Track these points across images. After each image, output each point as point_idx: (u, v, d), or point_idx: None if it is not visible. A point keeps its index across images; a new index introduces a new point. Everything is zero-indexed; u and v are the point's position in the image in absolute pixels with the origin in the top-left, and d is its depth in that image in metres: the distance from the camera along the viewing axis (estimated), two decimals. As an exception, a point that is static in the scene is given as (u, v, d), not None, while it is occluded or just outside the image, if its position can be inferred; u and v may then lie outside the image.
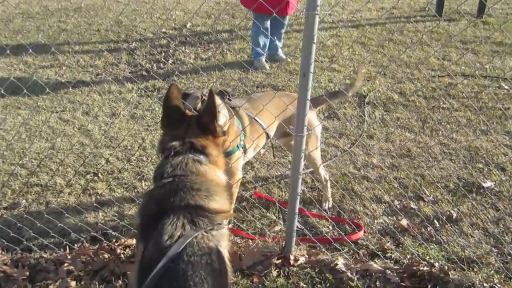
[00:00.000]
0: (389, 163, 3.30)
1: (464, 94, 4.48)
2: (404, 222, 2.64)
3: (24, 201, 2.77)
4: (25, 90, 2.54)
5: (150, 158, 3.27)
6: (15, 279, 2.05)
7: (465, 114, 4.11)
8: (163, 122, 1.64)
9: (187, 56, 5.56)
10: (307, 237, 2.43)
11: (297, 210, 2.23)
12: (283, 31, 5.46)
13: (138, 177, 3.04)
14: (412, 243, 2.49)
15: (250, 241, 2.44)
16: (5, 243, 2.34)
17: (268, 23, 5.12)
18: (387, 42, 6.15)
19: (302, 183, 3.00)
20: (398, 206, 2.81)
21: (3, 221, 2.52)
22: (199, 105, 2.32)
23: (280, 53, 5.47)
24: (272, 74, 5.05)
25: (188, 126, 1.59)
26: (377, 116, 4.07)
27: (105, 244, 2.27)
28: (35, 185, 2.93)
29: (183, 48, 5.79)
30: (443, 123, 3.92)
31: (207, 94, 2.37)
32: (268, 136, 2.57)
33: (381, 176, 3.13)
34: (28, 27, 6.41)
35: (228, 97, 2.47)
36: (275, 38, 5.36)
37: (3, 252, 2.29)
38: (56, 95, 4.34)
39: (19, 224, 2.46)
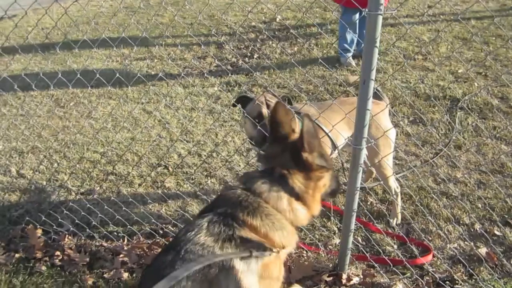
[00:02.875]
0: (476, 179, 2.94)
1: None
2: (483, 250, 2.33)
3: (98, 188, 2.98)
4: (111, 82, 2.71)
5: (219, 155, 3.31)
6: (76, 263, 2.21)
7: None
8: (269, 141, 1.57)
9: (273, 51, 5.53)
10: (364, 255, 2.26)
11: (352, 227, 2.08)
12: (372, 26, 5.16)
13: (205, 173, 3.09)
14: (488, 276, 2.19)
15: (305, 252, 2.35)
16: (71, 229, 2.54)
17: (357, 18, 4.86)
18: (493, 38, 5.50)
19: (372, 194, 2.82)
20: (479, 230, 2.49)
21: (78, 205, 2.73)
22: (264, 111, 2.27)
23: (369, 49, 5.17)
24: (357, 72, 4.80)
25: (284, 149, 1.49)
26: (469, 123, 3.66)
27: (159, 239, 2.34)
28: (111, 173, 3.14)
29: (270, 42, 5.77)
30: (549, 136, 3.40)
31: (271, 100, 2.31)
32: (334, 146, 2.44)
33: (464, 193, 2.80)
34: (129, 21, 6.88)
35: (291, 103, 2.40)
36: (364, 33, 5.08)
37: (69, 237, 2.48)
38: (144, 87, 4.60)
39: (90, 209, 2.65)
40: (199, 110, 4.02)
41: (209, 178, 3.05)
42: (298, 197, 1.45)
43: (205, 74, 4.77)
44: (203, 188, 2.95)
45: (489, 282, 2.15)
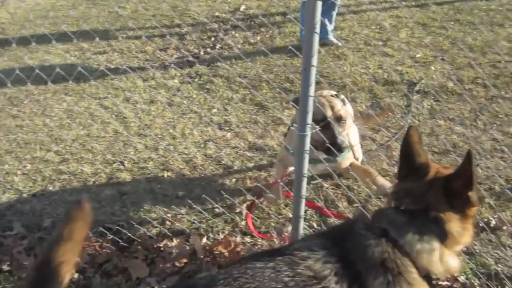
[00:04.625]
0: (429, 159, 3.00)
1: (532, 82, 3.97)
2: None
3: (51, 188, 2.91)
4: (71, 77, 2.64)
5: (177, 148, 3.28)
6: (26, 268, 2.16)
7: (530, 106, 3.64)
8: (400, 173, 1.36)
9: (236, 41, 5.50)
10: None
11: (302, 213, 2.10)
12: (334, 13, 5.17)
13: (162, 167, 3.06)
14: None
15: (259, 240, 2.36)
16: (21, 232, 2.48)
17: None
18: (452, 23, 5.61)
19: (328, 179, 2.85)
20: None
21: (29, 207, 2.67)
22: (329, 113, 2.17)
23: (331, 36, 5.20)
24: (319, 59, 4.82)
25: (430, 184, 1.26)
26: (425, 106, 3.74)
27: (110, 237, 2.31)
28: (64, 172, 3.07)
29: (233, 32, 5.73)
30: (500, 116, 3.50)
31: (333, 101, 2.23)
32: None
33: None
34: (89, 13, 6.71)
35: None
36: (326, 20, 5.10)
37: (19, 241, 2.42)
38: (102, 82, 4.50)
39: (42, 211, 2.59)
40: (158, 103, 3.97)
41: (165, 172, 3.03)
42: (451, 242, 1.21)
43: (166, 66, 4.71)
44: (160, 182, 2.92)
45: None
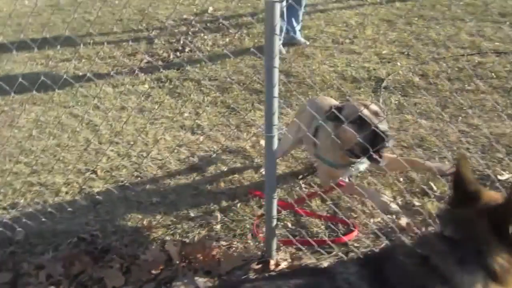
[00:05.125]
0: (398, 154, 3.09)
1: (493, 74, 4.12)
2: (404, 220, 2.46)
3: (22, 200, 2.86)
4: (36, 87, 2.59)
5: (150, 154, 3.27)
6: (-3, 283, 2.12)
7: (492, 97, 3.77)
8: (450, 200, 1.30)
9: (205, 43, 5.49)
10: (289, 239, 2.33)
11: (274, 213, 2.14)
12: (301, 13, 5.24)
13: (135, 175, 3.04)
14: (408, 245, 2.32)
15: (234, 242, 2.38)
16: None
17: (284, 5, 4.92)
18: (416, 19, 5.76)
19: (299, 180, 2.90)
20: (400, 203, 2.64)
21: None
22: (364, 110, 2.09)
23: (298, 36, 5.26)
24: (287, 59, 4.88)
25: (478, 212, 1.19)
26: (393, 101, 3.83)
27: (85, 248, 2.29)
28: (35, 184, 3.02)
29: (202, 34, 5.72)
30: (464, 108, 3.62)
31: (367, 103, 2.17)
32: None
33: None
34: (54, 20, 6.58)
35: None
36: (293, 20, 5.16)
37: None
38: (71, 89, 4.43)
39: (13, 225, 2.54)
40: (129, 109, 3.93)
41: (139, 178, 3.01)
42: (496, 278, 1.12)
43: (136, 72, 4.67)
44: (134, 190, 2.90)
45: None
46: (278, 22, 1.84)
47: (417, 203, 2.60)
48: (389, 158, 2.38)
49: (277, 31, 1.93)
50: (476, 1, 6.21)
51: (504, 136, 3.15)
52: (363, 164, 2.34)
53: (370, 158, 2.12)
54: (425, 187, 2.71)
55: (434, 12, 5.87)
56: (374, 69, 4.45)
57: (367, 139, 2.00)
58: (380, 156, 2.11)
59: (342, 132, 2.08)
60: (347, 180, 2.33)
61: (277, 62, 1.98)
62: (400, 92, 3.97)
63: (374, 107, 2.12)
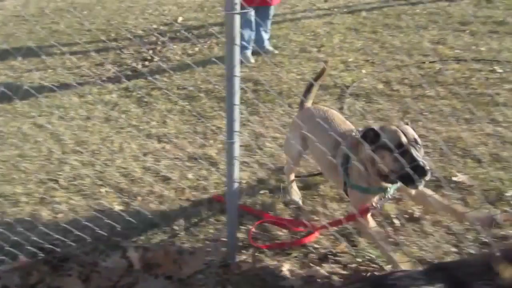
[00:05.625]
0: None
1: (453, 80, 4.27)
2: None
3: (-20, 212, 2.80)
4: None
5: (115, 162, 3.25)
6: None
7: (451, 102, 3.91)
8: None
9: (174, 53, 5.51)
10: (252, 243, 2.35)
11: (235, 217, 2.16)
12: (269, 22, 5.33)
13: (99, 183, 3.02)
14: (366, 244, 2.37)
15: (197, 246, 2.39)
16: None
17: (252, 15, 5.00)
18: (381, 28, 5.94)
19: (263, 184, 2.93)
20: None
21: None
22: (403, 138, 1.98)
23: (267, 45, 5.34)
24: (256, 67, 4.94)
25: None
26: (357, 108, 3.92)
27: (44, 257, 2.26)
28: (-6, 195, 2.96)
29: (171, 44, 5.74)
30: (425, 113, 3.74)
31: (405, 128, 2.06)
32: None
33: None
34: (21, 30, 6.49)
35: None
36: (261, 30, 5.25)
37: None
38: (36, 100, 4.36)
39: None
40: (95, 119, 3.90)
41: (103, 187, 2.98)
42: None
43: (103, 81, 4.64)
44: (97, 199, 2.87)
45: (367, 250, 2.32)
46: (238, 34, 1.89)
47: (375, 205, 2.66)
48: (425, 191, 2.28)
49: (237, 41, 1.98)
50: (439, 11, 6.45)
51: (460, 139, 3.27)
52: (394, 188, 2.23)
53: (408, 183, 2.01)
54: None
55: (399, 21, 6.06)
56: (340, 76, 4.55)
57: (407, 163, 1.92)
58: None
59: (381, 158, 1.99)
60: (378, 206, 2.23)
61: (237, 71, 2.03)
62: (364, 99, 4.07)
63: (411, 132, 2.03)
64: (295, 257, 2.32)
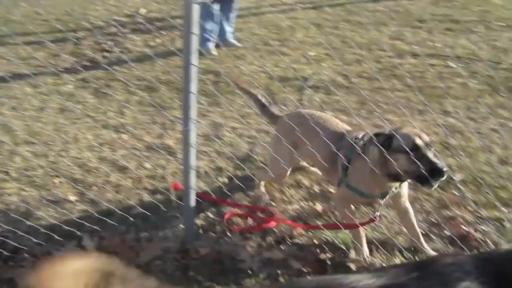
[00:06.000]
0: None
1: (408, 74, 4.42)
2: (319, 206, 2.58)
3: None
4: None
5: (69, 153, 3.17)
6: None
7: (406, 95, 4.05)
8: None
9: (135, 45, 5.42)
10: (211, 227, 2.36)
11: (192, 203, 2.17)
12: (233, 15, 5.33)
13: (52, 174, 2.93)
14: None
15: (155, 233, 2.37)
16: None
17: (216, 8, 4.98)
18: (343, 23, 6.06)
19: (225, 171, 2.93)
20: (317, 191, 2.75)
21: None
22: (418, 141, 2.01)
23: (230, 38, 5.34)
24: (218, 59, 4.93)
25: None
26: (317, 100, 3.99)
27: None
28: None
29: (133, 36, 5.64)
30: (381, 104, 3.85)
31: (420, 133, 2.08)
32: None
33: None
34: (-28, 19, 6.20)
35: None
36: (225, 23, 5.24)
37: None
38: (-13, 90, 4.19)
39: None
40: (50, 109, 3.78)
41: (56, 178, 2.90)
42: None
43: (60, 72, 4.50)
44: (51, 190, 2.79)
45: (323, 232, 2.37)
46: (196, 23, 1.90)
47: (332, 190, 2.72)
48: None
49: (195, 30, 1.99)
50: (398, 8, 6.65)
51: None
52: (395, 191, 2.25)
53: (423, 183, 2.04)
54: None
55: (360, 17, 6.19)
56: (302, 70, 4.61)
57: (424, 165, 1.96)
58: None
59: (396, 161, 2.01)
60: (378, 214, 2.26)
61: (194, 59, 2.03)
62: (323, 91, 4.14)
63: (425, 136, 2.07)
64: (254, 240, 2.34)
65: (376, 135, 2.08)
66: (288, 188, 2.76)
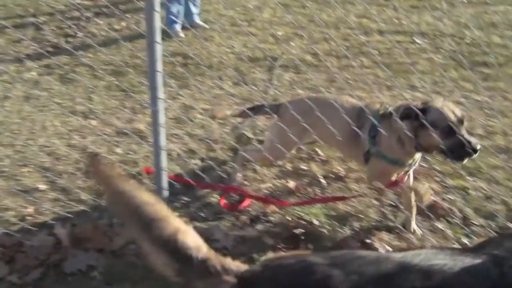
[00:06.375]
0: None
1: (376, 51, 4.48)
2: (292, 183, 2.63)
3: None
4: None
5: (37, 141, 3.09)
6: None
7: (374, 71, 4.12)
8: None
9: (100, 28, 5.27)
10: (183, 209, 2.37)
11: (165, 184, 2.16)
12: (199, -4, 5.24)
13: (20, 164, 2.86)
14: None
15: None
16: None
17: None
18: (310, 2, 6.05)
19: (197, 153, 2.93)
20: (290, 168, 2.79)
21: None
22: (452, 117, 1.98)
23: (196, 19, 5.25)
24: (186, 41, 4.86)
25: None
26: (287, 79, 4.01)
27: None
28: None
29: (96, 19, 5.47)
30: (350, 81, 3.90)
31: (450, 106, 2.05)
32: None
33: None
34: None
35: None
36: (191, 4, 5.15)
37: None
38: None
39: None
40: (14, 98, 3.66)
41: (24, 167, 2.83)
42: None
43: (22, 59, 4.34)
44: (19, 180, 2.72)
45: (295, 209, 2.42)
46: (158, 1, 1.87)
47: (304, 167, 2.77)
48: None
49: (156, 7, 1.95)
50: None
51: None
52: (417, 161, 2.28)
53: (454, 158, 2.06)
54: (311, 152, 2.92)
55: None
56: (270, 49, 4.61)
57: (454, 147, 1.98)
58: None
59: (427, 136, 2.00)
60: (406, 179, 2.28)
61: (157, 37, 2.00)
62: (293, 70, 4.16)
63: (458, 111, 2.04)
64: (227, 220, 2.36)
65: (409, 109, 2.04)
66: (261, 167, 2.78)
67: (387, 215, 2.40)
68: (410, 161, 2.19)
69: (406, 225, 2.32)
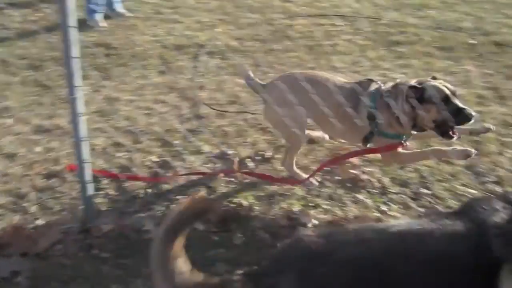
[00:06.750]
0: (216, 113, 3.27)
1: (299, 35, 4.60)
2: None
3: None
4: None
5: None
6: None
7: (298, 54, 4.22)
8: None
9: (13, 20, 4.94)
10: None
11: (88, 178, 2.11)
12: (121, -16, 5.06)
13: None
14: (228, 188, 2.53)
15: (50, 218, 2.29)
16: None
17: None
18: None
19: (123, 145, 2.88)
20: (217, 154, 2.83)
21: None
22: (447, 91, 2.15)
23: (119, 8, 5.08)
24: (108, 31, 4.69)
25: None
26: (212, 65, 4.01)
27: None
28: None
29: (9, 10, 5.11)
30: (274, 65, 3.98)
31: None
32: None
33: (207, 126, 3.10)
34: None
35: None
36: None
37: None
38: None
39: None
40: None
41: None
42: None
43: None
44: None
45: (224, 192, 2.47)
46: None
47: (230, 152, 2.81)
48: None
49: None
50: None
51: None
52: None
53: (445, 135, 2.22)
54: (238, 138, 2.97)
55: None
56: (196, 36, 4.57)
57: (454, 113, 2.12)
58: (454, 133, 2.20)
59: (427, 111, 2.15)
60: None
61: (72, 21, 1.92)
62: (219, 56, 4.16)
63: (450, 86, 2.21)
64: (157, 211, 2.36)
65: (413, 88, 2.18)
66: (191, 154, 2.79)
67: (311, 191, 2.51)
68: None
69: None
